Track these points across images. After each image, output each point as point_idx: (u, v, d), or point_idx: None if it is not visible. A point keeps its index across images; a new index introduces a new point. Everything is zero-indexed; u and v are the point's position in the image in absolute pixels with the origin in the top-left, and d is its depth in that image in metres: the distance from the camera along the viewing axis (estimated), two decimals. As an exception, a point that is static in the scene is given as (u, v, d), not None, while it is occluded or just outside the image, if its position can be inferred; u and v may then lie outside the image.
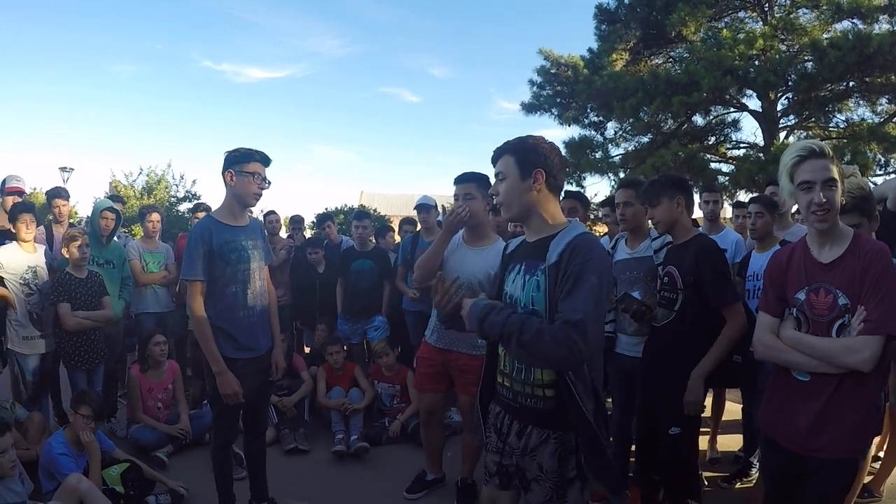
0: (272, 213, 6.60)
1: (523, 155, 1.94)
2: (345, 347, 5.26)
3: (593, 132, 15.98)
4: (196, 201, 16.44)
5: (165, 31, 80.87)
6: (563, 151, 13.59)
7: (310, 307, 5.83)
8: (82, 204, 16.47)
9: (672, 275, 2.89)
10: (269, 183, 3.03)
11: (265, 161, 3.00)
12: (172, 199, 19.27)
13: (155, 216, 5.49)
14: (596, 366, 1.91)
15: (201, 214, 6.03)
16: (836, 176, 1.98)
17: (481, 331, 1.89)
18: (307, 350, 6.08)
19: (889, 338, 1.90)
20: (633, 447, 3.46)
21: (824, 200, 1.97)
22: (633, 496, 3.46)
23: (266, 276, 3.19)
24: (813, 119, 13.94)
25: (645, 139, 15.46)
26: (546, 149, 1.96)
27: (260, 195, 3.01)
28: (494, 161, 2.02)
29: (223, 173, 2.96)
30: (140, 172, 19.86)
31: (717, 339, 2.76)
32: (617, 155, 15.77)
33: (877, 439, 3.60)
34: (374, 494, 3.74)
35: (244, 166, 2.92)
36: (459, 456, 3.70)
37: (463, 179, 3.22)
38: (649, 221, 3.45)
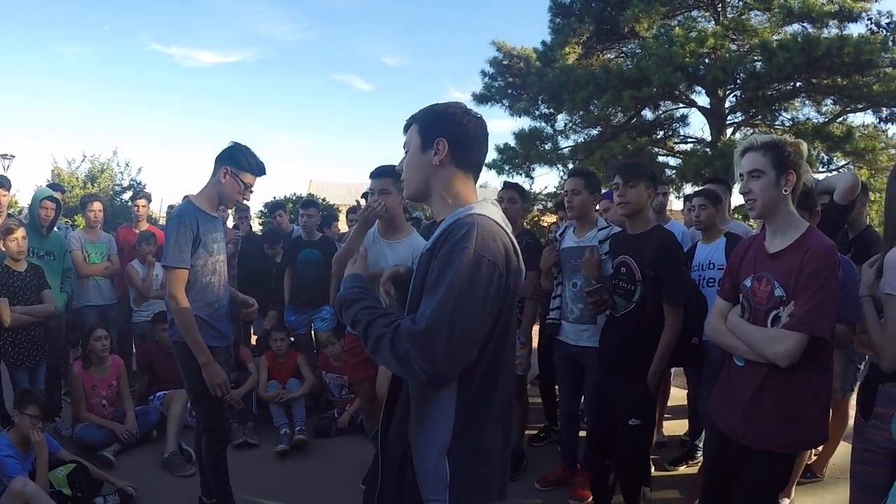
0: (246, 207, 6.40)
1: (426, 122, 1.63)
2: (291, 337, 5.23)
3: (543, 124, 16.13)
4: (136, 188, 15.92)
5: (113, 12, 77.30)
6: (514, 142, 13.66)
7: (263, 296, 5.72)
8: (23, 193, 15.69)
9: (629, 265, 2.91)
10: (252, 191, 3.03)
11: (261, 173, 3.00)
12: (117, 188, 18.61)
13: (97, 205, 5.31)
14: (470, 383, 1.50)
15: (141, 202, 5.87)
16: (762, 167, 2.03)
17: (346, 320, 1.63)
18: (254, 341, 5.98)
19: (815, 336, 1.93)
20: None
21: (747, 190, 2.06)
22: (582, 481, 3.55)
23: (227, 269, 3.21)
24: (759, 117, 14.42)
25: (594, 132, 15.68)
26: (457, 115, 1.61)
27: (241, 202, 3.07)
28: (405, 131, 1.70)
29: (219, 164, 2.91)
30: (83, 159, 19.10)
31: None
32: (566, 147, 15.98)
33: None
34: (326, 487, 3.71)
35: (241, 174, 2.90)
36: None
37: (378, 174, 3.19)
38: (597, 212, 3.54)
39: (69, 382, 4.39)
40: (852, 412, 3.41)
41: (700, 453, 3.86)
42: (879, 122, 13.75)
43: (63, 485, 3.29)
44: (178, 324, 2.84)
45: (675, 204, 12.00)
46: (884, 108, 13.28)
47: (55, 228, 4.70)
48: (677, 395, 4.69)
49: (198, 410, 3.05)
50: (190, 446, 3.80)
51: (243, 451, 4.21)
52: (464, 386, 1.49)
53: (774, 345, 1.98)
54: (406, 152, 1.67)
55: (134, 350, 5.52)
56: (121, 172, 19.34)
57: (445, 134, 1.59)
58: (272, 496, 3.54)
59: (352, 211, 6.31)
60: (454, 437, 1.49)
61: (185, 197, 6.01)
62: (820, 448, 3.71)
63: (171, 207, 6.75)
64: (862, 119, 14.13)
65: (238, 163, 2.89)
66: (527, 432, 4.28)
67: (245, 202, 3.01)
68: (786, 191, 2.04)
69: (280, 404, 4.59)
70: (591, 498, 3.44)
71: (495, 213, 1.54)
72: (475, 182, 1.67)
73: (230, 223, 6.80)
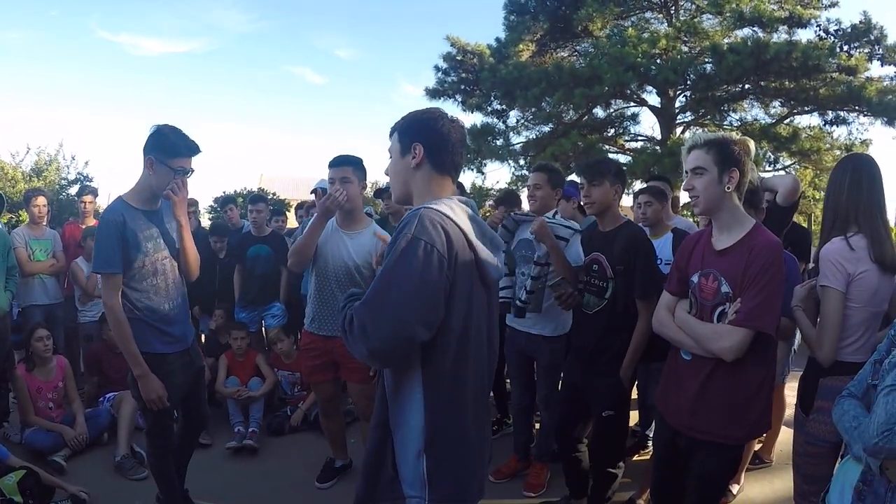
0: (193, 202, 6.16)
1: (404, 129, 1.74)
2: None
3: (496, 120, 16.31)
4: (82, 182, 15.32)
5: (62, -5, 74.09)
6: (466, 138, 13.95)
7: (208, 294, 5.63)
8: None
9: (601, 262, 2.93)
10: (192, 172, 2.74)
11: (193, 152, 2.72)
12: (63, 182, 17.88)
13: (41, 200, 5.13)
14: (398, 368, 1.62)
15: (88, 198, 5.67)
16: (705, 164, 2.06)
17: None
18: (203, 338, 5.87)
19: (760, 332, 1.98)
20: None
21: (691, 187, 2.10)
22: (535, 472, 3.62)
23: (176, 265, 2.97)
24: (709, 117, 14.86)
25: (546, 128, 15.93)
26: (433, 120, 1.71)
27: (178, 190, 2.74)
28: (390, 139, 1.82)
29: (144, 153, 2.65)
30: (28, 151, 18.27)
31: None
32: (518, 143, 16.24)
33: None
34: (281, 486, 3.70)
35: (170, 160, 2.63)
36: (362, 442, 3.70)
37: (339, 163, 3.15)
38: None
39: (14, 386, 4.23)
40: (789, 399, 3.59)
41: (651, 442, 3.99)
42: (825, 125, 14.41)
43: (14, 492, 3.16)
44: (113, 333, 2.71)
45: (626, 200, 12.26)
46: (829, 111, 13.88)
47: (-3, 225, 4.52)
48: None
49: (145, 417, 2.90)
50: (142, 448, 3.71)
51: (196, 452, 4.11)
52: (429, 372, 1.58)
53: (720, 340, 2.02)
54: (390, 158, 1.79)
55: (80, 350, 5.34)
56: (67, 166, 18.61)
57: (421, 139, 1.69)
58: (224, 496, 3.49)
59: (300, 207, 6.25)
60: (428, 434, 1.57)
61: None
62: (764, 435, 3.87)
63: None
64: (808, 121, 14.77)
65: (163, 148, 2.62)
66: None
67: (180, 188, 2.70)
68: (728, 188, 2.06)
69: (238, 402, 4.51)
70: (546, 489, 3.55)
71: (448, 207, 1.61)
72: (454, 182, 1.76)
73: None
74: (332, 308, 3.20)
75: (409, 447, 1.60)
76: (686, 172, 2.14)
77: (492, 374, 1.80)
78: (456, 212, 1.62)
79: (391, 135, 1.79)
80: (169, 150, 2.64)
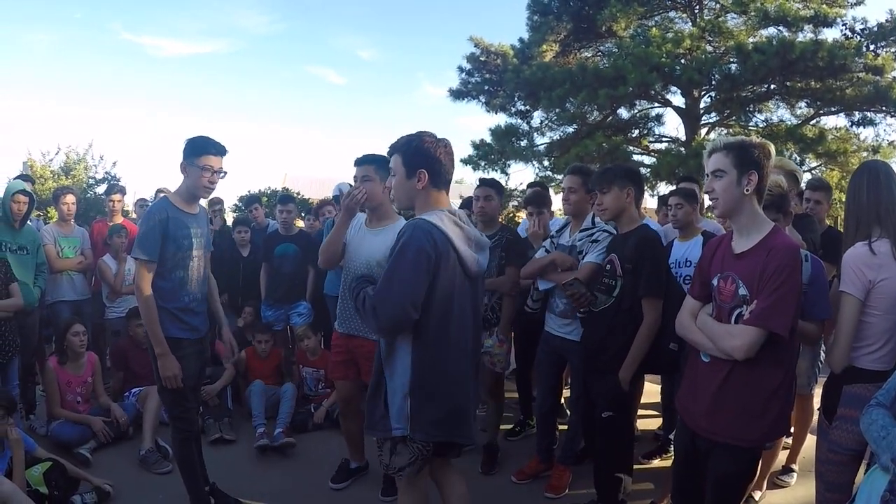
0: (218, 200, 6.37)
1: (408, 155, 2.22)
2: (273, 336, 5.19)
3: (519, 120, 16.22)
4: (110, 181, 15.60)
5: (84, -1, 75.50)
6: (489, 138, 13.76)
7: (233, 291, 5.69)
8: (-7, 186, 15.20)
9: (613, 262, 2.99)
10: (225, 174, 3.05)
11: (220, 152, 3.02)
12: (91, 181, 18.22)
13: (69, 198, 5.23)
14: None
15: (116, 197, 5.78)
16: (724, 167, 2.06)
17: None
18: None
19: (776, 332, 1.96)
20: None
21: (710, 190, 2.10)
22: (557, 474, 3.62)
23: (208, 264, 3.27)
24: (734, 118, 14.64)
25: (570, 129, 15.77)
26: (431, 148, 2.21)
27: (212, 189, 3.06)
28: (389, 157, 2.32)
29: (180, 162, 2.99)
30: (58, 151, 18.65)
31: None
32: (542, 144, 16.10)
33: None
34: (301, 483, 3.73)
35: (197, 159, 2.94)
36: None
37: (362, 161, 3.20)
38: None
39: (44, 378, 4.32)
40: (816, 407, 3.53)
41: (672, 447, 3.96)
42: (851, 126, 14.07)
43: (40, 483, 3.24)
44: (140, 313, 2.97)
45: (650, 202, 12.16)
46: (856, 112, 13.55)
47: (28, 222, 4.62)
48: (651, 390, 4.79)
49: (163, 400, 3.18)
50: (167, 443, 3.78)
51: (219, 446, 4.20)
52: (417, 342, 2.16)
53: (731, 339, 2.02)
54: (392, 175, 2.30)
55: (107, 346, 5.44)
56: (95, 165, 18.97)
57: (425, 165, 2.21)
58: (246, 492, 3.53)
59: (322, 205, 6.28)
60: (412, 382, 2.15)
61: (158, 190, 5.95)
62: (790, 442, 3.81)
63: (141, 200, 6.66)
64: (835, 122, 14.45)
65: (192, 151, 2.95)
66: (502, 427, 4.32)
67: (212, 185, 3.02)
68: (747, 190, 2.05)
69: (262, 402, 4.50)
70: (567, 492, 3.54)
71: (438, 218, 2.16)
72: (447, 192, 2.31)
73: None
74: (352, 306, 3.23)
75: (398, 391, 2.18)
76: (707, 175, 2.15)
77: (477, 346, 2.48)
78: (444, 221, 2.16)
79: (391, 153, 2.28)
80: (195, 150, 2.96)
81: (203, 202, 3.21)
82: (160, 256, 2.92)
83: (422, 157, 2.21)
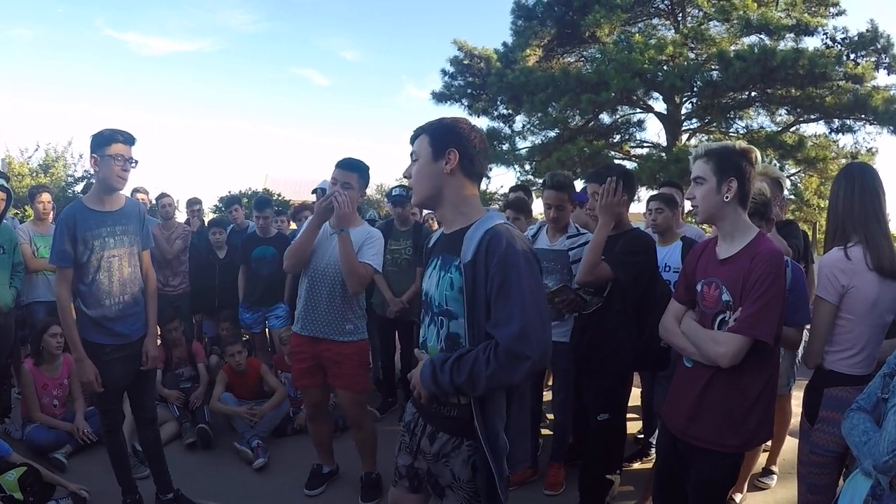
0: (165, 195, 6.13)
1: (438, 134, 1.80)
2: (245, 338, 5.11)
3: (502, 124, 16.42)
4: (88, 180, 15.35)
5: (68, -9, 74.47)
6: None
7: (209, 293, 5.63)
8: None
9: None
10: (135, 163, 2.95)
11: (129, 141, 2.92)
12: (69, 179, 17.93)
13: (45, 196, 5.13)
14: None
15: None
16: (704, 174, 2.07)
17: (443, 394, 1.77)
18: (206, 339, 5.86)
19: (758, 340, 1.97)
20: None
21: (692, 196, 2.12)
22: (556, 471, 3.64)
23: (146, 262, 3.16)
24: (714, 124, 14.88)
25: (552, 134, 15.97)
26: (465, 129, 1.80)
27: (124, 178, 2.94)
28: (412, 142, 1.87)
29: (90, 158, 2.90)
30: (37, 148, 18.32)
31: (641, 328, 2.90)
32: (524, 147, 16.29)
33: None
34: (281, 488, 3.68)
35: (106, 149, 2.85)
36: (357, 452, 3.64)
37: (346, 166, 3.15)
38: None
39: (21, 381, 4.23)
40: (794, 409, 3.57)
41: (654, 450, 3.98)
42: (831, 133, 14.40)
43: (14, 489, 3.17)
44: (60, 318, 2.97)
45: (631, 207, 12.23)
46: (835, 119, 13.85)
47: (3, 220, 4.51)
48: (632, 394, 4.82)
49: (85, 396, 3.20)
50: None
51: (196, 450, 4.15)
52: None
53: (716, 346, 2.02)
54: (414, 160, 1.84)
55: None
56: (74, 163, 18.68)
57: (457, 146, 1.77)
58: (224, 496, 3.49)
59: (302, 208, 6.22)
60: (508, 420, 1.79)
61: (134, 190, 5.86)
62: (770, 444, 3.83)
63: None
64: (814, 129, 14.79)
65: (99, 142, 2.86)
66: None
67: (125, 175, 2.91)
68: (727, 198, 2.04)
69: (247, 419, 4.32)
70: (564, 487, 3.58)
71: (502, 217, 1.80)
72: (479, 190, 1.89)
73: (181, 218, 6.64)
74: (320, 310, 3.23)
75: (496, 429, 1.75)
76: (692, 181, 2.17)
77: None
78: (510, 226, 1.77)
79: (416, 136, 1.84)
80: (103, 140, 2.86)
81: (181, 201, 3.17)
82: (76, 261, 2.88)
83: (455, 136, 1.79)
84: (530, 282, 1.65)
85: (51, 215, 5.18)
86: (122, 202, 3.04)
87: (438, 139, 1.79)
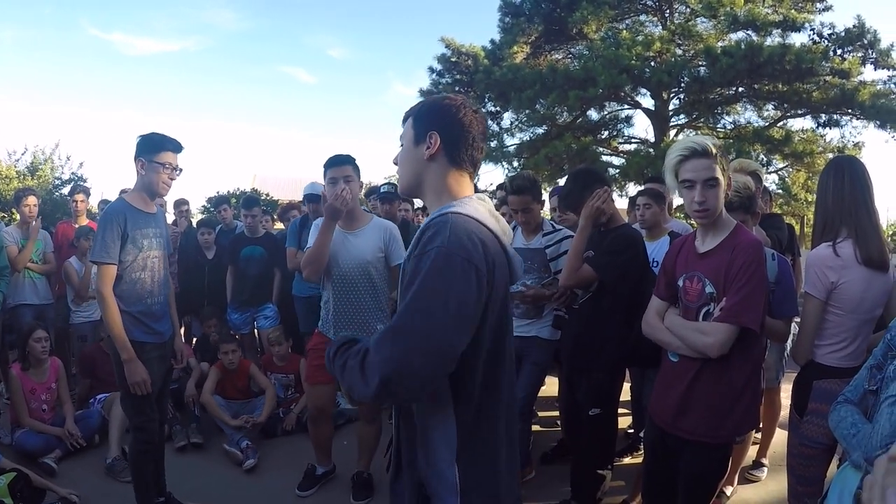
0: (184, 202, 6.25)
1: (421, 115, 1.54)
2: (238, 338, 5.08)
3: (490, 122, 16.33)
4: (75, 182, 15.22)
5: (52, -8, 73.42)
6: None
7: (197, 294, 5.59)
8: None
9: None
10: (180, 171, 2.97)
11: (177, 149, 2.94)
12: (57, 182, 17.75)
13: (31, 200, 5.09)
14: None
15: (79, 197, 5.63)
16: (719, 175, 2.05)
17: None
18: (194, 340, 5.83)
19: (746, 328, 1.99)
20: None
21: (703, 200, 2.05)
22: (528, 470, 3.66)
23: (168, 266, 3.19)
24: (702, 119, 14.96)
25: (540, 130, 16.02)
26: (452, 110, 1.50)
27: (170, 186, 2.96)
28: (403, 125, 1.63)
29: (134, 160, 2.89)
30: (25, 151, 18.11)
31: (631, 323, 2.85)
32: (512, 145, 16.31)
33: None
34: (271, 489, 3.67)
35: (154, 156, 2.85)
36: (355, 444, 3.66)
37: (340, 162, 3.14)
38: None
39: (9, 387, 4.18)
40: (783, 401, 3.59)
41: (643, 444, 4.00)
42: (818, 127, 14.48)
43: (4, 494, 3.14)
44: (104, 318, 2.88)
45: (618, 202, 12.31)
46: (822, 114, 13.93)
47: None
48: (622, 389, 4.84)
49: (124, 408, 3.07)
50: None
51: (187, 453, 4.13)
52: (462, 409, 1.39)
53: (704, 337, 2.04)
54: (401, 146, 1.60)
55: (72, 351, 5.30)
56: (61, 166, 18.49)
57: (439, 127, 1.49)
58: (213, 497, 3.47)
59: (289, 208, 6.19)
60: (459, 441, 1.39)
61: (122, 191, 5.81)
62: (760, 437, 3.87)
63: (103, 202, 6.51)
64: (801, 124, 14.87)
65: (148, 148, 2.86)
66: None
67: (170, 183, 2.93)
68: (727, 195, 2.12)
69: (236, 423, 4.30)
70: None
71: (478, 210, 1.44)
72: (471, 179, 1.57)
73: (169, 220, 6.60)
74: (352, 311, 3.21)
75: (442, 457, 1.40)
76: (686, 182, 2.13)
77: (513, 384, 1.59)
78: (484, 213, 1.45)
79: (404, 120, 1.60)
80: (153, 147, 2.86)
81: (169, 203, 3.16)
82: (120, 259, 2.85)
83: (437, 116, 1.50)
84: (441, 286, 1.26)
85: (37, 218, 5.13)
86: (156, 207, 3.10)
87: (420, 120, 1.53)
